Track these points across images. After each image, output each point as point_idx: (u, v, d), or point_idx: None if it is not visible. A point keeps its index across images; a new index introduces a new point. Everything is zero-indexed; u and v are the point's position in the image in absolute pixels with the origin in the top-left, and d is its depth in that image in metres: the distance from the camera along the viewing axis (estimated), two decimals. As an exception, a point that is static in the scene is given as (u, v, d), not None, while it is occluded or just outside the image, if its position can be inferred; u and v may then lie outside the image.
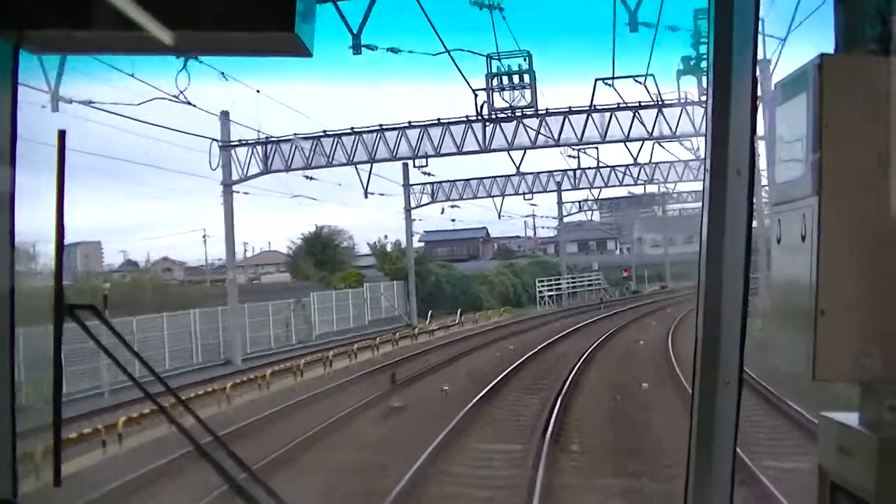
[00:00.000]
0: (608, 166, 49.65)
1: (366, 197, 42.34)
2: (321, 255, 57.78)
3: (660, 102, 34.82)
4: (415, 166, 43.46)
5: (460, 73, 32.12)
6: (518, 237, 76.37)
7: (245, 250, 60.01)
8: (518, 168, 41.74)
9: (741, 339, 2.63)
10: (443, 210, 53.88)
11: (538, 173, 51.96)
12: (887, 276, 2.39)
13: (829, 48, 2.64)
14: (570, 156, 45.58)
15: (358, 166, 40.69)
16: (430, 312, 50.24)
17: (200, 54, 3.17)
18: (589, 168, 50.02)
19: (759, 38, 2.95)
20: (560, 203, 60.94)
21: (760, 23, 2.66)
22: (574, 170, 50.59)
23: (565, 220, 64.30)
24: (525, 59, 33.46)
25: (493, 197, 53.26)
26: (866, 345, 2.39)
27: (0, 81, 2.53)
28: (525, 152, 39.92)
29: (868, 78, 2.43)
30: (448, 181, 50.85)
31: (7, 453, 2.60)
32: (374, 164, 40.54)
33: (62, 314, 2.49)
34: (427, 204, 52.57)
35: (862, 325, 2.39)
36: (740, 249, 2.61)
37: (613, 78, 33.44)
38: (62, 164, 2.49)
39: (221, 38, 2.50)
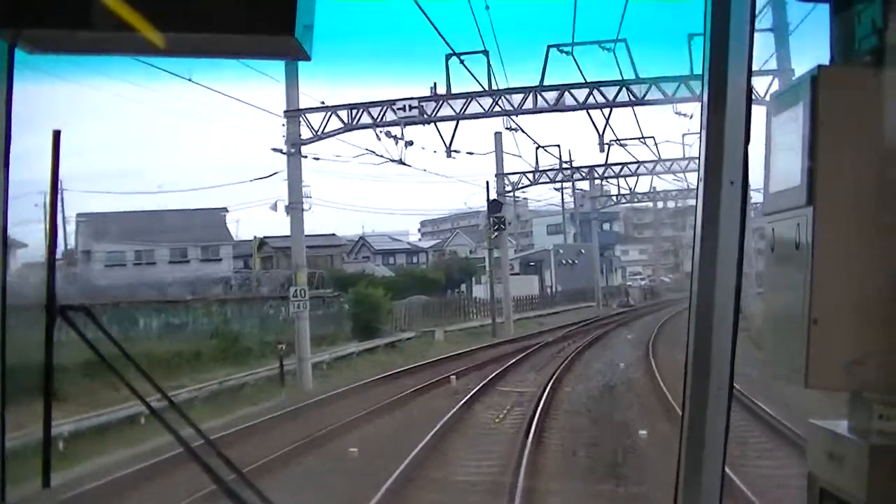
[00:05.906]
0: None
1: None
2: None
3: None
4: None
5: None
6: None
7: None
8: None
9: (732, 346, 2.64)
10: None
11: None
12: (880, 286, 2.39)
13: (824, 60, 2.65)
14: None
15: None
16: None
17: (198, 56, 3.17)
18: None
19: (755, 48, 2.97)
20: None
21: (756, 33, 2.67)
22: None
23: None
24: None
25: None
26: (858, 354, 2.39)
27: None
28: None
29: (864, 90, 2.43)
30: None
31: None
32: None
33: (55, 315, 2.48)
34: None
35: (854, 335, 2.39)
36: (733, 258, 2.62)
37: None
38: (56, 164, 2.48)
39: (220, 41, 2.49)
